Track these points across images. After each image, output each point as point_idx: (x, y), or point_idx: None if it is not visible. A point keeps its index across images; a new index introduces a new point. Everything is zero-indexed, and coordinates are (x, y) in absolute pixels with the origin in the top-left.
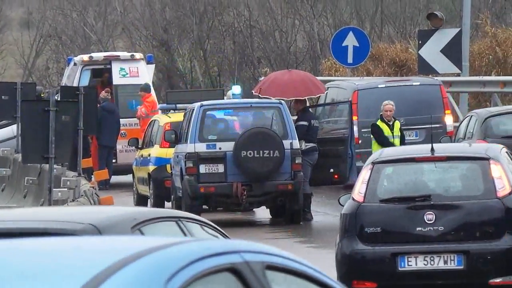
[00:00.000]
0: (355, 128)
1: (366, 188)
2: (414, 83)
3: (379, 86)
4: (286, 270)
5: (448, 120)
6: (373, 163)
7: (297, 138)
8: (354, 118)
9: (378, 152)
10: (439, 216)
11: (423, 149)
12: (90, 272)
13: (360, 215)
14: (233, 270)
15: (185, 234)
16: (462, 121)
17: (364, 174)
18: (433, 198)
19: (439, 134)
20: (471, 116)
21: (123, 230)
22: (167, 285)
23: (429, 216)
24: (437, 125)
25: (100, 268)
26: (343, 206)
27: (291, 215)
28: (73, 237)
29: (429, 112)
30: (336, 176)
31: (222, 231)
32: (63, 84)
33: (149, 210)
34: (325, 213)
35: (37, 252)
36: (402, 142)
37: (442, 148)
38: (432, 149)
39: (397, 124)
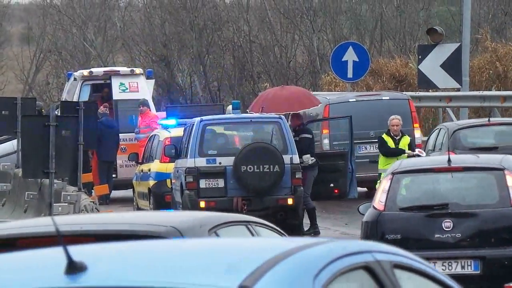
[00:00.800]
0: (326, 141)
1: (386, 197)
2: (383, 98)
3: (350, 100)
4: (410, 269)
5: (417, 133)
6: (393, 173)
7: (297, 153)
8: (325, 131)
9: (398, 163)
10: (456, 223)
11: (441, 160)
12: (250, 266)
13: (381, 223)
14: (367, 268)
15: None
16: (431, 134)
17: (384, 183)
18: (451, 207)
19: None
20: (440, 129)
21: (202, 233)
22: (315, 280)
23: (447, 224)
24: None
25: (259, 263)
26: (362, 214)
27: (291, 230)
28: (217, 238)
29: None
30: (336, 190)
31: (286, 235)
32: (63, 99)
33: (222, 215)
34: (326, 227)
35: (193, 251)
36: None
37: (459, 159)
38: (449, 160)
39: (405, 140)
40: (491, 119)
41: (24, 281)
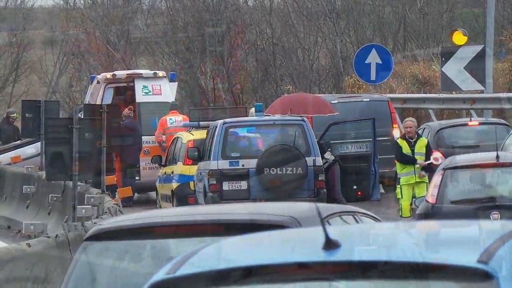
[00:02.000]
0: None
1: (438, 191)
2: (364, 99)
3: (332, 102)
4: None
5: (396, 133)
6: (444, 169)
7: (320, 155)
8: None
9: (449, 159)
10: (504, 215)
11: (489, 157)
12: (482, 244)
13: (433, 215)
14: None
15: None
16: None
17: (436, 179)
18: (498, 200)
19: (387, 146)
20: (424, 128)
21: (316, 221)
22: None
23: (495, 216)
24: (385, 138)
25: (489, 242)
26: (417, 207)
27: None
28: (436, 222)
29: (378, 126)
30: (359, 192)
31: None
32: (86, 102)
33: (331, 206)
34: None
35: (423, 231)
36: (428, 159)
37: (506, 156)
38: (498, 157)
39: (422, 142)
40: (472, 119)
41: (289, 254)
